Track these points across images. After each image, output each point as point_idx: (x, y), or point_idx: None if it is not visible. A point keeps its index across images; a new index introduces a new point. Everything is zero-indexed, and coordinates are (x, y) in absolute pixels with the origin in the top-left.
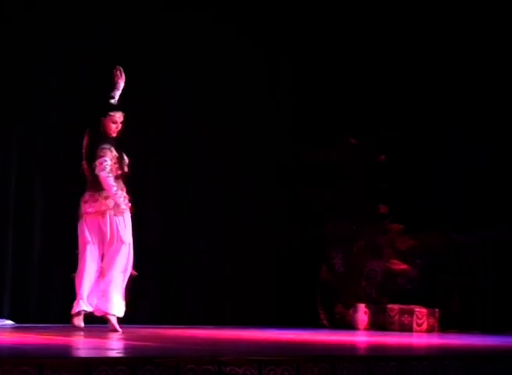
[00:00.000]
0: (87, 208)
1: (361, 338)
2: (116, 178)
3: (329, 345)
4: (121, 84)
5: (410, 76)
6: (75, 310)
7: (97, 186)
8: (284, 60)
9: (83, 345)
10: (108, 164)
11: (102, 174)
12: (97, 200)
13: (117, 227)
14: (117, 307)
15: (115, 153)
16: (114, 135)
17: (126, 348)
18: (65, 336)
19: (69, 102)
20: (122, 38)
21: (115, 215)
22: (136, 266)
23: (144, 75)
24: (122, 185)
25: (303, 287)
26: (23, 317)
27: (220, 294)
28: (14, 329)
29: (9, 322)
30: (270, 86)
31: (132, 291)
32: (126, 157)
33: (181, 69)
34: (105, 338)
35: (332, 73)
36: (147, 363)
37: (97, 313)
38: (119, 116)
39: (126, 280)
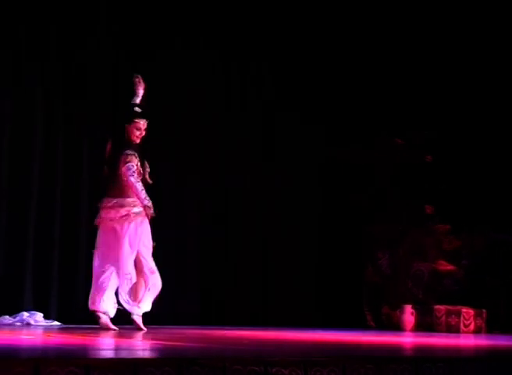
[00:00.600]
0: (105, 214)
1: (408, 339)
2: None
3: (376, 346)
4: (140, 92)
5: (454, 75)
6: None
7: (116, 192)
8: (321, 59)
9: (128, 346)
10: (135, 169)
11: (131, 179)
12: (113, 207)
13: (135, 233)
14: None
15: (138, 159)
16: (137, 141)
17: (172, 349)
18: (111, 337)
19: (93, 109)
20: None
21: (134, 219)
22: (177, 266)
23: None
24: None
25: (349, 288)
26: (69, 318)
27: (266, 295)
28: (61, 330)
29: (56, 323)
30: (308, 86)
31: (177, 292)
32: (147, 165)
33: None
34: (151, 339)
35: (372, 72)
36: (192, 364)
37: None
38: (143, 123)
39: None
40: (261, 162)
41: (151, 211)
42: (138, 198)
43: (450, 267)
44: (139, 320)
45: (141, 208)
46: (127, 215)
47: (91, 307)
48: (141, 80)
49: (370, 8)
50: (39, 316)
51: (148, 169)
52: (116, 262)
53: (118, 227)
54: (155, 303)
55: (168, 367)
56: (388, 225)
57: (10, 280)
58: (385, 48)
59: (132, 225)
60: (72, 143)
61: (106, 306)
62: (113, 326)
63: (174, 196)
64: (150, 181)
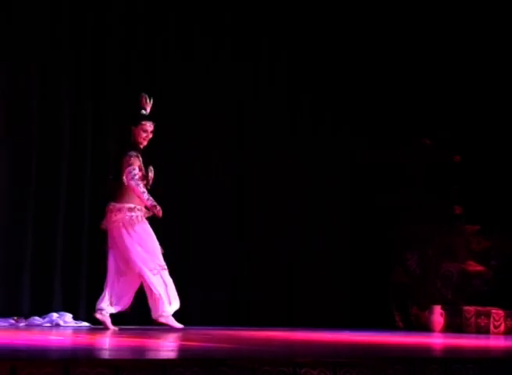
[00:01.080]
0: (107, 217)
1: (437, 340)
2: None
3: (405, 347)
4: (148, 110)
5: (482, 75)
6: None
7: (117, 196)
8: (349, 61)
9: (157, 347)
10: (136, 172)
11: (131, 183)
12: (112, 211)
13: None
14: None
15: (141, 161)
16: (144, 144)
17: (201, 350)
18: (140, 337)
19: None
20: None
21: (128, 224)
22: (207, 266)
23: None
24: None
25: (378, 289)
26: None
27: (294, 296)
28: (90, 330)
29: (85, 323)
30: (337, 88)
31: (205, 293)
32: (151, 169)
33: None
34: (180, 340)
35: (400, 72)
36: (221, 365)
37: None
38: (149, 125)
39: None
40: (291, 164)
41: (157, 209)
42: (141, 201)
43: (479, 268)
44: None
45: (136, 213)
46: (119, 220)
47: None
48: (148, 99)
49: (396, 13)
50: (68, 316)
51: (152, 175)
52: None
53: (114, 232)
54: (183, 303)
55: (197, 368)
56: (416, 225)
57: (40, 281)
58: (412, 49)
59: (123, 230)
60: (101, 144)
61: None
62: (112, 326)
63: (204, 198)
64: (148, 186)
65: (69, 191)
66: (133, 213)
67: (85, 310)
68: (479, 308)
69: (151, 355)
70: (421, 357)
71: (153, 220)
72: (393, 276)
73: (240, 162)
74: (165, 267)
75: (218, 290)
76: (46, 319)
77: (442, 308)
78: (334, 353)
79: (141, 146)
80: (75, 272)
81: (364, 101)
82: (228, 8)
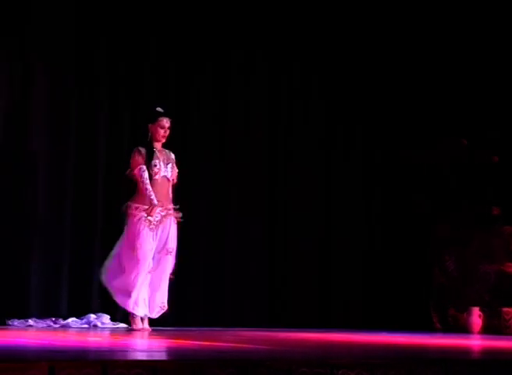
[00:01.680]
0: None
1: (476, 342)
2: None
3: (442, 349)
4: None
5: None
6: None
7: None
8: (382, 61)
9: (193, 348)
10: (143, 169)
11: (140, 180)
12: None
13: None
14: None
15: (143, 156)
16: (163, 141)
17: (237, 351)
18: (176, 339)
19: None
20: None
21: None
22: (243, 268)
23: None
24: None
25: (415, 290)
26: None
27: (331, 297)
28: (127, 332)
29: (122, 325)
30: (371, 87)
31: (243, 295)
32: (171, 165)
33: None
34: (214, 341)
35: (437, 72)
36: (257, 366)
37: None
38: (166, 121)
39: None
40: (324, 164)
41: (151, 211)
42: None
43: None
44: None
45: (135, 213)
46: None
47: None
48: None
49: (426, 17)
50: (106, 318)
51: (169, 169)
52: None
53: None
54: (221, 305)
55: (233, 369)
56: (454, 226)
57: (78, 283)
58: (447, 49)
59: (125, 228)
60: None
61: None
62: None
63: (241, 200)
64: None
65: (105, 194)
66: (138, 212)
67: (122, 311)
68: None
69: (188, 356)
70: (459, 359)
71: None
72: (431, 277)
73: (271, 164)
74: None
75: (255, 292)
76: (84, 321)
77: (481, 310)
78: (371, 354)
79: (160, 143)
80: None
81: (401, 101)
82: (259, 44)
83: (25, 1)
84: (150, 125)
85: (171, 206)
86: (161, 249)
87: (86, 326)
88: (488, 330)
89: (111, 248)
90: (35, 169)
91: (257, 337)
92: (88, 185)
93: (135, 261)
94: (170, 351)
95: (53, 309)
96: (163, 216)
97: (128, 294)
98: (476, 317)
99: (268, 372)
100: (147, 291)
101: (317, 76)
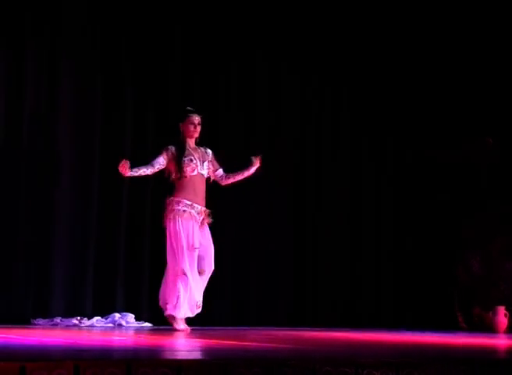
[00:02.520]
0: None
1: (501, 341)
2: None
3: (468, 348)
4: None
5: None
6: None
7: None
8: (407, 60)
9: (218, 348)
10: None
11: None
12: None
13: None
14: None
15: (172, 153)
16: (195, 135)
17: (262, 350)
18: (201, 338)
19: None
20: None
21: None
22: (269, 266)
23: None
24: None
25: (440, 289)
26: (160, 319)
27: (357, 296)
28: (152, 331)
29: (147, 324)
30: (396, 86)
31: (269, 294)
32: (207, 164)
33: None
34: (240, 340)
35: (455, 71)
36: (282, 365)
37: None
38: (196, 117)
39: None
40: (347, 162)
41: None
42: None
43: None
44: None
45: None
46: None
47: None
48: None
49: (450, 19)
50: (130, 317)
51: (207, 168)
52: None
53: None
54: (245, 305)
55: (258, 368)
56: (479, 225)
57: (102, 282)
58: (471, 49)
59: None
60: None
61: None
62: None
63: (263, 200)
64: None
65: (130, 192)
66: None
67: (147, 310)
68: None
69: (213, 355)
70: (485, 358)
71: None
72: (456, 276)
73: (296, 167)
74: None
75: (281, 290)
76: (108, 320)
77: (506, 309)
78: (396, 354)
79: (193, 140)
80: (137, 272)
81: (427, 101)
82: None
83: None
84: (180, 124)
85: (204, 208)
86: (207, 249)
87: (111, 325)
88: None
89: (134, 247)
90: (60, 169)
91: (281, 337)
92: (113, 183)
93: (176, 259)
94: (195, 350)
95: (78, 309)
96: (204, 216)
97: (169, 296)
98: (502, 316)
99: (292, 371)
100: (189, 291)
101: (343, 86)
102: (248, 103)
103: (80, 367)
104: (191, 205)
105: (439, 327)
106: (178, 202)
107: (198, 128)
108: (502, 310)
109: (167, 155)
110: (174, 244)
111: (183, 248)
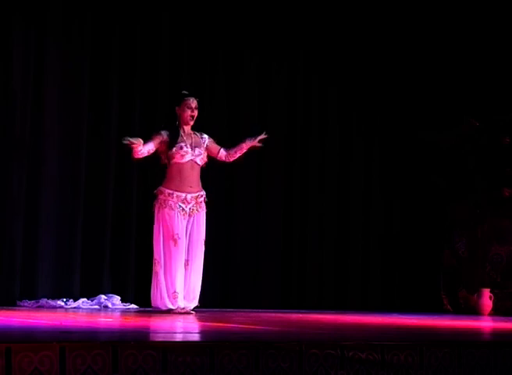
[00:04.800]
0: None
1: (486, 323)
2: (175, 166)
3: (453, 330)
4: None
5: None
6: None
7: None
8: (394, 43)
9: (204, 330)
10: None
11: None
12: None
13: None
14: None
15: (165, 139)
16: (191, 123)
17: (249, 332)
18: (188, 321)
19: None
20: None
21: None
22: (256, 248)
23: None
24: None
25: (426, 272)
26: (146, 301)
27: (343, 279)
28: (138, 313)
29: (133, 306)
30: (392, 66)
31: (256, 276)
32: (199, 149)
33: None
34: (226, 322)
35: (446, 54)
36: (269, 347)
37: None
38: (192, 100)
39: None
40: (340, 144)
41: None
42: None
43: None
44: None
45: (163, 198)
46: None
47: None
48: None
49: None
50: (116, 299)
51: (198, 154)
52: None
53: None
54: (232, 287)
55: (245, 350)
56: (466, 207)
57: (89, 264)
58: (467, 33)
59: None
60: None
61: None
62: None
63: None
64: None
65: (117, 178)
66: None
67: (133, 292)
68: None
69: (199, 338)
70: (469, 340)
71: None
72: (442, 258)
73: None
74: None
75: (269, 273)
76: (94, 302)
77: (491, 292)
78: (382, 336)
79: (189, 126)
80: (123, 254)
81: (420, 81)
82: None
83: None
84: (176, 108)
85: (203, 193)
86: (193, 239)
87: (96, 307)
88: (499, 311)
89: (121, 230)
90: (47, 156)
91: (268, 319)
92: (99, 170)
93: (166, 251)
94: (181, 332)
95: (64, 291)
96: (194, 204)
97: (159, 291)
98: (487, 299)
99: (278, 353)
100: (182, 283)
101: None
102: (235, 91)
103: (65, 349)
104: (176, 195)
105: (424, 310)
106: (162, 192)
107: (195, 112)
108: (487, 293)
109: (157, 141)
110: (156, 234)
111: (159, 238)
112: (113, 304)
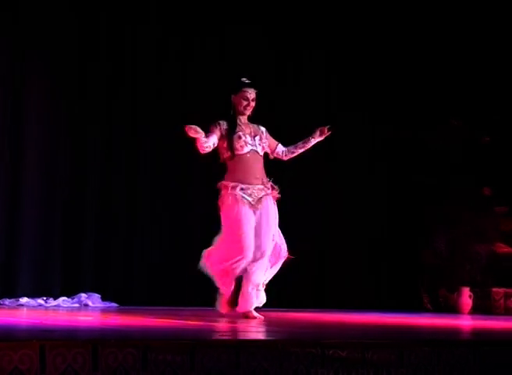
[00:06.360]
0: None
1: (466, 322)
2: (231, 160)
3: (433, 329)
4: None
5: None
6: None
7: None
8: (389, 44)
9: (185, 327)
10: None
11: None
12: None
13: None
14: None
15: (224, 129)
16: (247, 113)
17: (230, 331)
18: (169, 318)
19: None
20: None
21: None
22: None
23: None
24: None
25: (406, 271)
26: (127, 299)
27: (323, 278)
28: (118, 311)
29: (114, 304)
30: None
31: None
32: (259, 138)
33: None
34: (210, 321)
35: (430, 55)
36: (250, 346)
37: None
38: (250, 92)
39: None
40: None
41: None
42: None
43: (509, 249)
44: None
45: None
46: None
47: None
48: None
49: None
50: (97, 297)
51: (259, 143)
52: None
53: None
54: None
55: (225, 349)
56: (445, 206)
57: (69, 262)
58: (450, 34)
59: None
60: None
61: None
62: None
63: None
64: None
65: (99, 171)
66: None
67: (113, 291)
68: (508, 289)
69: (180, 336)
70: (449, 339)
71: None
72: (422, 257)
73: None
74: None
75: None
76: (74, 300)
77: (471, 290)
78: (362, 334)
79: (245, 117)
80: (104, 253)
81: (400, 82)
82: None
83: None
84: (233, 96)
85: (269, 184)
86: (261, 232)
87: (77, 305)
88: (479, 310)
89: (101, 228)
90: (26, 146)
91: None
92: (80, 163)
93: (236, 245)
94: (162, 330)
95: (44, 289)
96: (261, 196)
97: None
98: (466, 297)
99: (259, 351)
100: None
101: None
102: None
103: (45, 347)
104: (242, 188)
105: (404, 308)
106: (226, 186)
107: (252, 104)
108: (466, 291)
109: (219, 131)
110: (224, 230)
111: (226, 234)
112: (93, 302)
